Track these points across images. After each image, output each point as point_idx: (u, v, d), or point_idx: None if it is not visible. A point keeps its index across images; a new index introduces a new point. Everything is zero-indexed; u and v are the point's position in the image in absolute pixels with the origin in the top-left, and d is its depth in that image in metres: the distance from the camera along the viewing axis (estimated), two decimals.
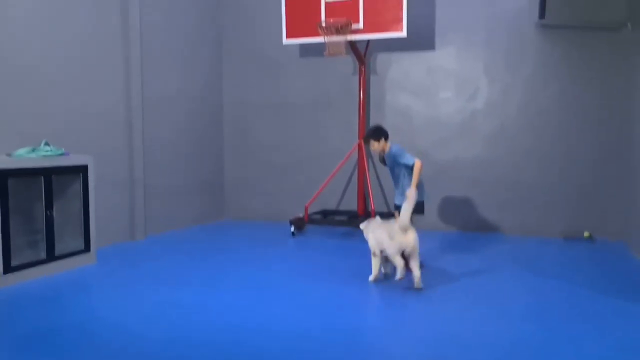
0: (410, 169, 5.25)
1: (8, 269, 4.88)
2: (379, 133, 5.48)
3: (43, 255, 5.26)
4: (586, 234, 7.10)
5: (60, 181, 5.48)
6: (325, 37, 7.04)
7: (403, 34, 6.88)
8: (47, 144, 5.47)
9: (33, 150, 5.28)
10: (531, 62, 7.32)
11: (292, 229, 7.37)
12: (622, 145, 6.91)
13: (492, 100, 7.54)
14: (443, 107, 7.76)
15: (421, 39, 7.69)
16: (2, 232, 4.81)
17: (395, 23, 6.88)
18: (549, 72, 7.25)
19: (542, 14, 6.99)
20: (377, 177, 8.08)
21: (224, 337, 3.70)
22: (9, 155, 5.16)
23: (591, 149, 7.13)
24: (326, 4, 7.14)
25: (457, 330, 3.85)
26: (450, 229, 7.72)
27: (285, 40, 7.50)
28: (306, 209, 7.41)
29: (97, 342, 3.64)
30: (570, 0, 6.96)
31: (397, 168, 5.41)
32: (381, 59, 8.00)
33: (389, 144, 5.50)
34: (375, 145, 5.47)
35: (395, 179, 5.53)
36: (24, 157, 5.14)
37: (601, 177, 7.09)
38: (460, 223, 7.74)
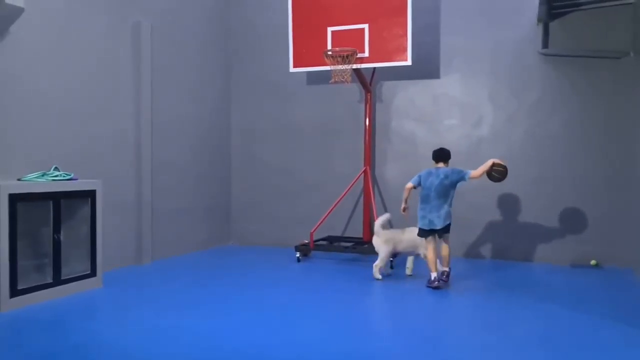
0: (445, 198, 5.84)
1: (14, 292, 4.91)
2: (449, 155, 6.10)
3: (49, 278, 5.29)
4: (593, 262, 7.04)
5: (68, 205, 5.55)
6: (332, 65, 7.16)
7: (408, 62, 6.98)
8: (56, 168, 5.57)
9: (43, 175, 5.37)
10: (536, 90, 7.39)
11: (298, 254, 7.37)
12: (628, 172, 6.90)
13: (497, 127, 7.59)
14: (448, 134, 7.82)
15: (426, 67, 7.80)
16: (9, 256, 4.86)
17: (401, 52, 6.99)
18: (554, 99, 7.31)
19: (545, 44, 7.09)
20: (383, 203, 8.10)
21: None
22: (19, 180, 5.25)
23: (598, 177, 7.12)
24: (332, 32, 7.28)
25: (464, 358, 3.82)
26: (456, 255, 7.68)
27: (292, 69, 7.63)
28: (311, 235, 7.42)
29: None
30: (573, 30, 7.07)
31: (442, 191, 5.80)
32: (387, 87, 8.10)
33: (438, 164, 6.03)
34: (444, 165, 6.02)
35: (430, 201, 5.87)
36: (34, 181, 5.22)
37: (608, 205, 7.07)
38: (467, 249, 7.71)
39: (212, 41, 8.63)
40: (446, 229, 5.83)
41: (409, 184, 6.02)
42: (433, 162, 6.06)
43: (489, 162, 5.84)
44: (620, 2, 6.73)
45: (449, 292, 5.70)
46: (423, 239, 6.00)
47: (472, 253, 7.69)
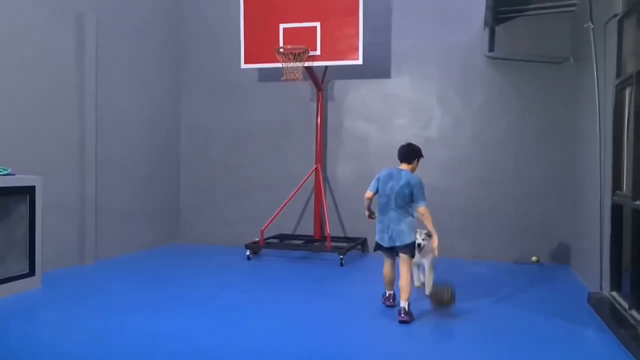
0: (407, 207, 4.75)
1: None
2: (417, 153, 5.04)
3: None
4: (534, 258, 7.32)
5: (5, 202, 5.30)
6: (283, 63, 7.14)
7: (359, 61, 7.05)
8: None
9: None
10: (482, 94, 7.60)
11: (248, 253, 7.31)
12: (568, 173, 7.21)
13: (445, 129, 7.77)
14: (398, 134, 7.92)
15: (378, 67, 7.89)
16: None
17: (352, 51, 7.05)
18: (500, 103, 7.54)
19: (491, 47, 7.31)
20: (334, 201, 8.14)
21: None
22: None
23: (539, 178, 7.40)
24: (284, 29, 7.26)
25: (400, 349, 3.88)
26: None
27: (244, 65, 7.56)
28: (262, 233, 7.38)
29: None
30: (517, 35, 7.33)
31: (403, 199, 4.74)
32: (338, 86, 8.15)
33: (400, 165, 4.94)
34: (414, 165, 4.99)
35: (385, 209, 4.80)
36: None
37: (549, 204, 7.36)
38: None
39: (162, 36, 8.42)
40: (408, 249, 4.73)
41: (368, 193, 4.92)
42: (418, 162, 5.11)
43: (434, 237, 4.91)
44: (562, 10, 7.02)
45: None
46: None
47: None
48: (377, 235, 4.87)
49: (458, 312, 4.89)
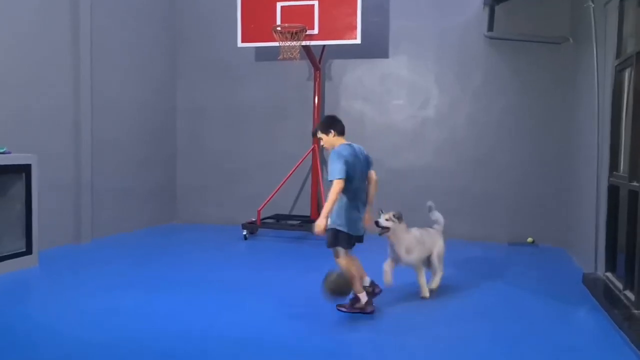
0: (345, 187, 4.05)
1: None
2: (329, 124, 4.32)
3: None
4: (529, 239, 7.36)
5: (1, 180, 5.27)
6: (280, 42, 7.06)
7: (357, 40, 6.98)
8: None
9: None
10: (481, 74, 7.56)
11: (245, 232, 7.32)
12: (564, 156, 7.21)
13: (442, 109, 7.74)
14: (395, 114, 7.91)
15: (375, 47, 7.82)
16: None
17: (350, 30, 6.97)
18: (497, 83, 7.50)
19: (490, 26, 7.25)
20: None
21: (165, 343, 3.64)
22: None
23: (536, 159, 7.40)
24: (282, 8, 7.17)
25: (396, 331, 3.92)
26: None
27: (240, 44, 7.48)
28: (259, 213, 7.39)
29: (26, 346, 3.52)
30: (516, 15, 7.26)
31: (364, 179, 4.31)
32: (336, 65, 8.08)
33: (341, 140, 4.32)
34: (325, 139, 4.32)
35: (360, 194, 4.28)
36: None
37: (545, 186, 7.37)
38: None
39: (158, 16, 8.30)
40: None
41: (340, 182, 4.00)
42: (334, 134, 4.29)
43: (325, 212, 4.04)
44: None
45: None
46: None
47: None
48: (349, 226, 4.13)
49: (453, 292, 4.93)
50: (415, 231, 4.74)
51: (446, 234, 5.06)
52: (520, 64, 7.39)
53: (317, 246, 6.94)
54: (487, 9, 7.25)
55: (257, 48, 8.04)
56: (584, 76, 6.32)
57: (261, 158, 8.43)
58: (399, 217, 4.56)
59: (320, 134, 4.36)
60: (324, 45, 7.49)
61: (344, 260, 4.21)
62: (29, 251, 5.51)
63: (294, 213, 8.28)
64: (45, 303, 4.44)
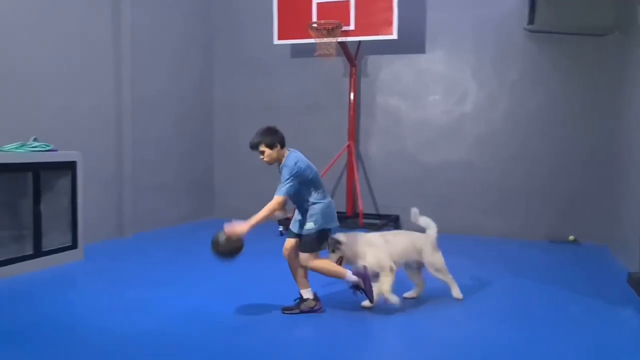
0: (317, 192, 4.08)
1: None
2: (273, 137, 4.15)
3: (30, 250, 5.25)
4: (571, 237, 7.19)
5: (48, 177, 5.47)
6: (316, 38, 7.08)
7: (393, 36, 6.94)
8: (36, 139, 5.47)
9: (22, 145, 5.27)
10: (519, 67, 7.41)
11: (280, 228, 7.39)
12: (608, 150, 7.00)
13: (479, 104, 7.62)
14: (431, 109, 7.83)
15: (412, 42, 7.75)
16: None
17: (386, 25, 6.94)
18: (537, 77, 7.34)
19: (531, 19, 7.08)
20: (366, 178, 8.13)
21: (204, 336, 3.72)
22: None
23: (578, 154, 7.22)
24: (318, 4, 7.19)
25: (436, 331, 3.90)
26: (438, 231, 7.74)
27: (276, 41, 7.53)
28: (294, 211, 7.42)
29: (71, 338, 3.65)
30: (559, 6, 7.07)
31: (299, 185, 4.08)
32: (372, 61, 8.05)
33: (286, 151, 4.22)
34: (267, 153, 4.12)
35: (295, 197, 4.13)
36: (13, 152, 5.13)
37: (587, 182, 7.18)
38: (445, 225, 7.71)
39: (195, 14, 8.45)
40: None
41: (280, 200, 3.98)
42: (279, 148, 4.21)
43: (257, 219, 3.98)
44: None
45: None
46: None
47: (446, 228, 7.74)
48: (326, 220, 4.04)
49: (489, 290, 4.87)
50: (371, 235, 4.39)
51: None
52: (562, 57, 7.21)
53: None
54: (527, 1, 7.08)
55: (292, 45, 8.09)
56: (629, 68, 6.12)
57: None
58: (334, 243, 4.16)
59: (262, 148, 4.09)
60: (359, 41, 7.47)
61: (318, 262, 4.04)
62: (74, 245, 5.71)
63: None
64: (91, 295, 4.60)
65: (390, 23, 6.90)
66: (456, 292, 4.52)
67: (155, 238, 7.10)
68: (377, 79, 8.06)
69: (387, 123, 8.04)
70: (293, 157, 4.08)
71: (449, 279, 4.53)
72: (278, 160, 4.14)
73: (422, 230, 4.58)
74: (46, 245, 5.40)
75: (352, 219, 7.70)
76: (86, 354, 3.39)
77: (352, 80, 7.72)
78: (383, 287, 4.16)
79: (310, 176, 4.07)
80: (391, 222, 7.76)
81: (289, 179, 3.96)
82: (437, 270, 4.46)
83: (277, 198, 3.94)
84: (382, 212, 8.04)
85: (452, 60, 7.71)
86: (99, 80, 6.66)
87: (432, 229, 4.52)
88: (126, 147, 7.02)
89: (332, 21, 7.00)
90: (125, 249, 6.40)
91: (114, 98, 6.89)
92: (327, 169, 7.70)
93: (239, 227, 3.86)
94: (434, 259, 4.44)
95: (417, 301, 4.49)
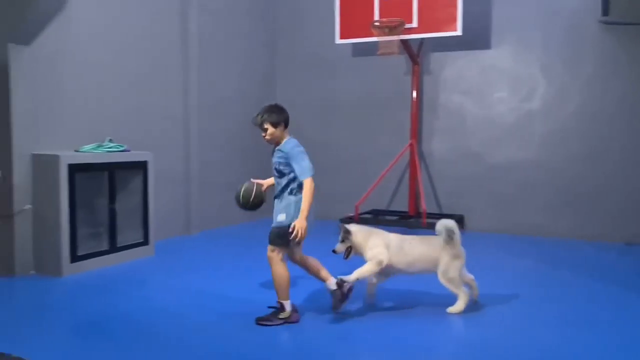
0: (297, 182, 3.89)
1: (74, 258, 5.16)
2: (279, 115, 4.03)
3: (106, 246, 5.53)
4: None
5: (122, 176, 5.74)
6: (379, 37, 7.04)
7: (458, 32, 6.80)
8: (111, 140, 5.75)
9: (98, 146, 5.56)
10: (591, 62, 7.07)
11: None
12: None
13: (548, 101, 7.33)
14: (497, 107, 7.61)
15: (476, 37, 7.56)
16: (70, 224, 5.09)
17: (450, 22, 6.80)
18: (611, 72, 6.98)
19: (605, 10, 6.74)
20: (429, 177, 8.01)
21: (267, 330, 3.79)
22: (76, 151, 5.45)
23: None
24: (380, 2, 7.14)
25: (501, 335, 3.79)
26: (501, 231, 7.55)
27: (339, 40, 7.55)
28: (356, 208, 7.44)
29: (145, 329, 3.83)
30: None
31: (285, 169, 3.98)
32: (435, 58, 7.92)
33: (287, 135, 4.10)
34: (270, 131, 3.99)
35: (277, 183, 4.08)
36: (91, 153, 5.41)
37: None
38: (511, 226, 7.53)
39: (258, 14, 8.61)
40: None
41: (312, 180, 3.91)
42: (283, 127, 4.11)
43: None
44: None
45: (497, 269, 5.62)
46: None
47: (514, 229, 7.51)
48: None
49: (559, 294, 4.68)
50: (393, 235, 4.25)
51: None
52: (638, 50, 6.81)
53: None
54: None
55: (354, 44, 8.08)
56: None
57: (357, 153, 8.48)
58: (345, 232, 4.16)
59: (267, 125, 3.94)
60: (422, 39, 7.37)
61: (281, 266, 3.92)
62: (146, 242, 5.96)
63: (391, 208, 8.25)
64: (162, 289, 4.79)
65: (455, 19, 6.76)
66: (456, 307, 4.13)
67: (221, 235, 7.29)
68: (440, 76, 7.91)
69: (451, 121, 7.89)
70: (293, 141, 4.00)
71: (461, 291, 4.16)
72: (277, 141, 4.00)
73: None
74: (120, 241, 5.67)
75: (415, 219, 7.61)
76: (159, 343, 3.54)
77: (415, 78, 7.62)
78: (360, 270, 4.06)
79: None
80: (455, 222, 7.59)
81: (303, 158, 3.87)
82: (449, 282, 4.13)
83: (308, 180, 3.81)
84: (445, 211, 7.90)
85: (519, 56, 7.46)
86: (168, 83, 6.91)
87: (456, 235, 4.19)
88: (193, 147, 7.25)
89: (394, 19, 6.94)
90: (192, 246, 6.61)
91: (182, 100, 7.13)
92: (389, 168, 7.65)
93: (300, 224, 3.74)
94: (450, 267, 4.10)
95: (477, 303, 4.38)
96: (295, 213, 3.83)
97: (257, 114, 3.99)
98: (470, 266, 5.59)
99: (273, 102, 4.15)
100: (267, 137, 3.98)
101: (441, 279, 4.14)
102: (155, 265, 5.67)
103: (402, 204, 8.07)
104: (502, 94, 7.58)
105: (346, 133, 8.58)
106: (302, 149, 3.92)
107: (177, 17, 6.99)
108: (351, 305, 4.22)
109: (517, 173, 7.47)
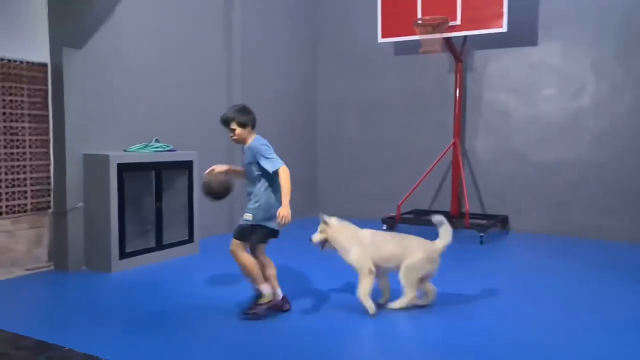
0: (269, 176, 3.96)
1: (123, 254, 5.33)
2: (247, 116, 4.13)
3: (153, 243, 5.68)
4: None
5: (168, 175, 5.89)
6: (421, 35, 6.97)
7: (503, 29, 6.65)
8: (157, 140, 5.91)
9: (145, 146, 5.72)
10: None
11: (384, 227, 7.37)
12: None
13: (600, 98, 7.08)
14: (544, 105, 7.40)
15: (523, 34, 7.38)
16: (118, 221, 5.26)
17: (495, 18, 6.66)
18: None
19: None
20: (473, 177, 7.87)
21: (305, 325, 3.81)
22: (125, 151, 5.63)
23: None
24: (423, 0, 7.06)
25: (558, 341, 3.69)
26: (548, 232, 7.33)
27: (381, 39, 7.52)
28: (398, 208, 7.39)
29: (191, 323, 3.92)
30: None
31: (255, 167, 4.06)
32: (479, 56, 7.77)
33: (253, 134, 4.18)
34: (238, 132, 4.08)
35: (248, 181, 4.15)
36: (138, 152, 5.58)
37: None
38: (563, 228, 7.30)
39: (300, 15, 8.66)
40: None
41: (286, 168, 4.03)
42: (249, 128, 4.19)
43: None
44: None
45: (546, 269, 5.47)
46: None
47: (564, 231, 7.28)
48: (267, 217, 3.97)
49: (610, 300, 4.51)
50: (364, 231, 4.20)
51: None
52: None
53: (460, 243, 6.76)
54: None
55: (396, 42, 8.02)
56: None
57: (399, 152, 8.41)
58: (324, 223, 4.14)
59: (234, 125, 4.03)
60: (465, 36, 7.25)
61: (245, 256, 4.01)
62: (191, 239, 6.10)
63: (433, 208, 8.15)
64: (207, 286, 4.89)
65: (501, 15, 6.61)
66: (397, 303, 4.13)
67: None
68: (484, 74, 7.76)
69: (495, 120, 7.72)
70: (259, 138, 4.12)
71: (410, 293, 4.10)
72: (245, 141, 4.11)
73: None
74: (166, 239, 5.82)
75: (457, 219, 7.49)
76: (204, 338, 3.61)
77: (458, 76, 7.50)
78: (360, 289, 4.02)
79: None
80: (499, 223, 7.45)
81: (269, 152, 3.99)
82: (406, 277, 4.06)
83: (282, 168, 3.91)
84: (489, 212, 7.74)
85: (568, 52, 7.23)
86: (212, 84, 7.04)
87: (442, 240, 4.18)
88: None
89: (437, 17, 6.85)
90: None
91: (226, 100, 7.24)
92: (432, 167, 7.55)
93: (287, 214, 3.78)
94: (417, 266, 4.06)
95: (533, 305, 4.27)
96: (264, 214, 3.94)
97: (225, 115, 4.12)
98: (513, 268, 5.49)
99: (240, 103, 4.35)
100: (234, 137, 4.09)
101: (401, 272, 4.08)
102: (200, 262, 5.79)
103: (444, 204, 7.96)
104: (550, 91, 7.37)
105: (388, 132, 8.53)
106: (266, 142, 4.07)
107: (220, 19, 7.12)
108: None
109: (566, 173, 7.25)
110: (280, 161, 3.94)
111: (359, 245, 4.08)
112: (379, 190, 8.52)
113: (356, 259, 4.04)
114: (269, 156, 3.93)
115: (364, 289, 4.02)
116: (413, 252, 4.10)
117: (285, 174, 3.87)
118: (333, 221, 4.18)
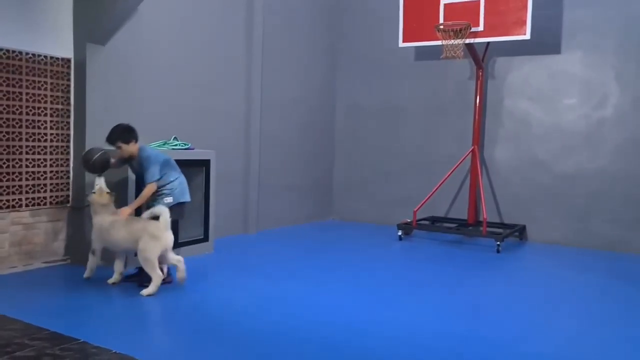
0: (163, 187, 4.68)
1: None
2: (129, 134, 4.67)
3: None
4: None
5: (186, 173, 5.88)
6: (443, 40, 6.92)
7: (526, 36, 6.58)
8: (175, 138, 5.93)
9: (164, 144, 5.74)
10: None
11: (400, 233, 7.31)
12: None
13: (622, 108, 6.96)
14: (566, 114, 7.31)
15: (545, 41, 7.30)
16: None
17: (519, 25, 6.60)
18: None
19: None
20: (491, 185, 7.78)
21: (326, 334, 3.78)
22: None
23: None
24: (445, 5, 7.02)
25: (577, 354, 3.61)
26: (567, 244, 7.21)
27: (402, 44, 7.48)
28: (415, 214, 7.33)
29: (208, 321, 3.90)
30: None
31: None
32: (500, 63, 7.70)
33: (137, 145, 4.73)
34: (124, 148, 4.66)
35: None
36: (156, 150, 5.59)
37: None
38: (585, 240, 7.15)
39: (320, 18, 8.67)
40: None
41: (154, 185, 4.65)
42: (134, 142, 4.71)
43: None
44: None
45: (564, 280, 5.38)
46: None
47: (586, 243, 7.15)
48: (183, 193, 4.84)
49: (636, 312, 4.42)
50: (108, 217, 4.61)
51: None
52: None
53: (476, 251, 6.69)
54: None
55: (416, 47, 7.98)
56: None
57: (417, 158, 8.36)
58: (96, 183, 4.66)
59: (120, 144, 4.61)
60: (487, 43, 7.19)
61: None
62: (206, 238, 6.10)
63: (450, 216, 8.08)
64: (220, 284, 4.89)
65: (524, 23, 6.55)
66: (148, 290, 4.37)
67: (277, 236, 7.36)
68: (506, 81, 7.69)
69: (515, 128, 7.64)
70: (146, 150, 4.71)
71: (155, 275, 4.39)
72: (132, 155, 4.70)
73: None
74: (181, 237, 5.82)
75: (474, 227, 7.42)
76: (218, 336, 3.60)
77: (479, 82, 7.44)
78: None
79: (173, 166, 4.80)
80: (517, 232, 7.35)
81: (153, 164, 4.58)
82: (145, 259, 4.38)
83: (150, 185, 4.57)
84: (507, 221, 7.65)
85: (591, 61, 7.13)
86: (231, 84, 7.07)
87: (162, 215, 4.48)
88: (253, 147, 7.37)
89: (460, 22, 6.80)
90: (249, 245, 6.71)
91: (245, 101, 7.27)
92: (449, 174, 7.49)
93: (124, 211, 4.54)
94: (146, 247, 4.38)
95: (547, 317, 4.18)
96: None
97: (109, 136, 4.64)
98: (528, 278, 5.41)
99: (118, 123, 4.73)
100: (124, 155, 4.69)
101: (139, 258, 4.43)
102: (214, 261, 5.79)
103: (461, 212, 7.88)
104: (572, 100, 7.27)
105: (406, 138, 8.48)
106: (158, 156, 4.69)
107: (242, 20, 7.15)
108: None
109: (587, 183, 7.13)
110: (153, 177, 4.60)
111: (101, 232, 4.68)
112: (396, 196, 8.47)
113: (94, 242, 4.72)
114: (150, 168, 4.62)
115: (88, 265, 4.79)
116: (141, 233, 4.43)
117: (149, 190, 4.59)
118: (100, 185, 4.67)
